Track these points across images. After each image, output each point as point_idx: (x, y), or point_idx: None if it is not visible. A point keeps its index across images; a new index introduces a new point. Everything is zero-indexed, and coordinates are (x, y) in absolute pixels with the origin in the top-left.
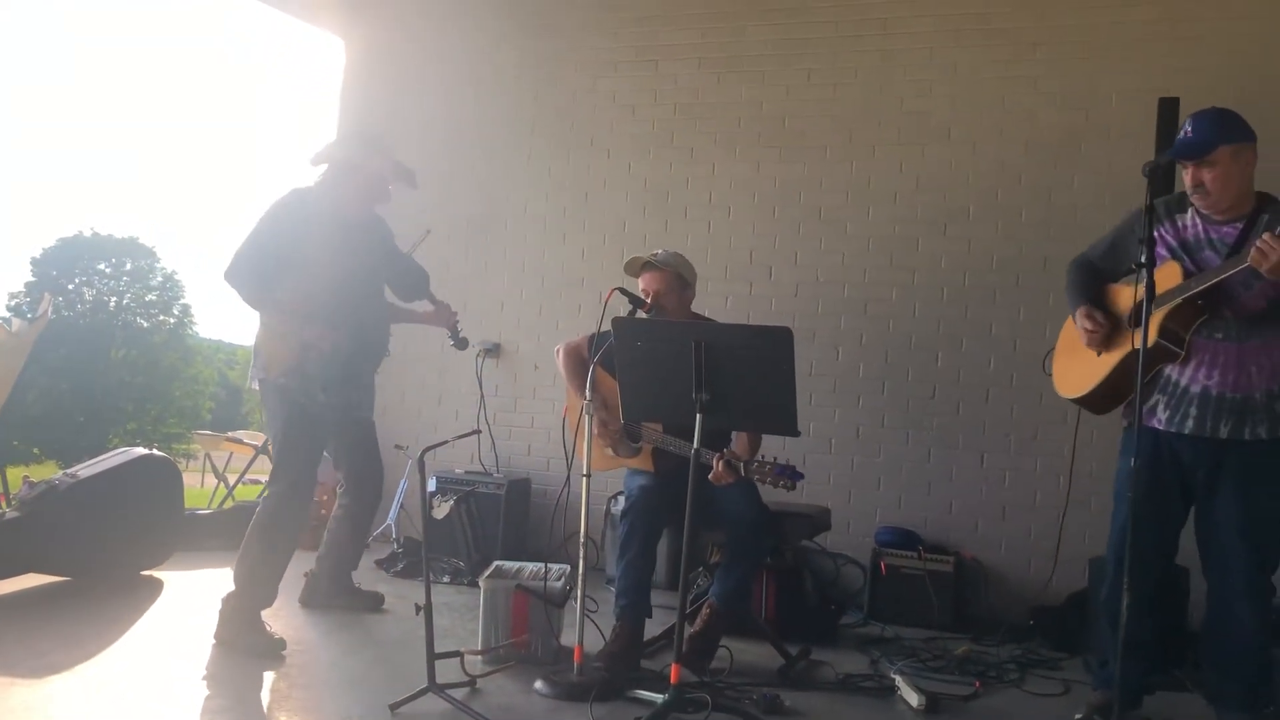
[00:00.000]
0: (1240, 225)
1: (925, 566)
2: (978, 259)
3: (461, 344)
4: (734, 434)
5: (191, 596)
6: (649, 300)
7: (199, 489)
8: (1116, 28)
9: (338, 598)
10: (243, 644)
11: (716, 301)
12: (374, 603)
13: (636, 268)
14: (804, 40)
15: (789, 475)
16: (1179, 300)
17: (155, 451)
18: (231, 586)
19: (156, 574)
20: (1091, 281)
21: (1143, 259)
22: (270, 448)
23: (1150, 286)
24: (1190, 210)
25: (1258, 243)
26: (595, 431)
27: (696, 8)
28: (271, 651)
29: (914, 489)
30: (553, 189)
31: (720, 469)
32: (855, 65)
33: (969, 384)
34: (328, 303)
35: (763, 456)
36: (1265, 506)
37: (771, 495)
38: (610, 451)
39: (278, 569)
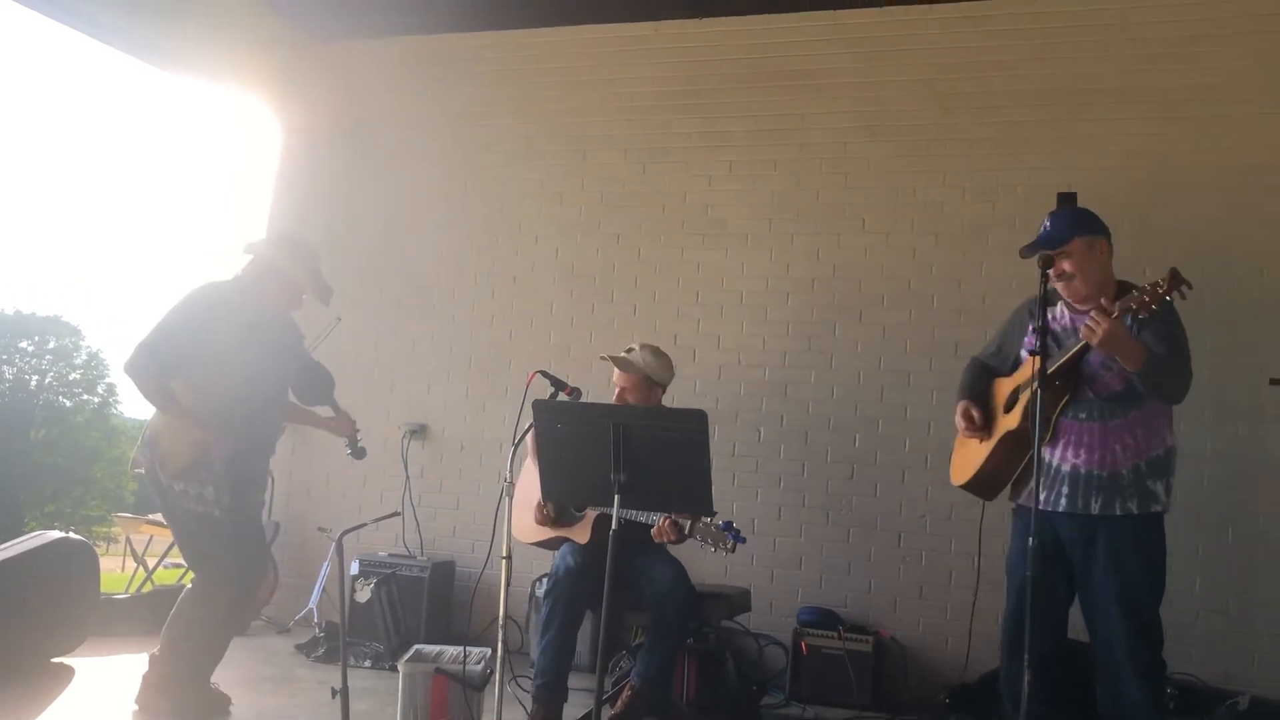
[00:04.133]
0: None
1: (845, 646)
2: (892, 344)
3: (359, 453)
4: None
5: (102, 684)
6: (617, 396)
7: (119, 573)
8: (1020, 126)
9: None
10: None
11: None
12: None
13: (612, 360)
14: (725, 133)
15: (733, 535)
16: (1035, 384)
17: (72, 534)
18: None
19: (68, 660)
20: (979, 378)
21: (1034, 347)
22: (178, 546)
23: (1043, 370)
24: (1059, 303)
25: (1086, 320)
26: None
27: (623, 100)
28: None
29: (834, 569)
30: (482, 272)
31: (665, 525)
32: (774, 158)
33: (886, 465)
34: (228, 403)
35: (709, 519)
36: (1139, 577)
37: (692, 576)
38: (552, 518)
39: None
